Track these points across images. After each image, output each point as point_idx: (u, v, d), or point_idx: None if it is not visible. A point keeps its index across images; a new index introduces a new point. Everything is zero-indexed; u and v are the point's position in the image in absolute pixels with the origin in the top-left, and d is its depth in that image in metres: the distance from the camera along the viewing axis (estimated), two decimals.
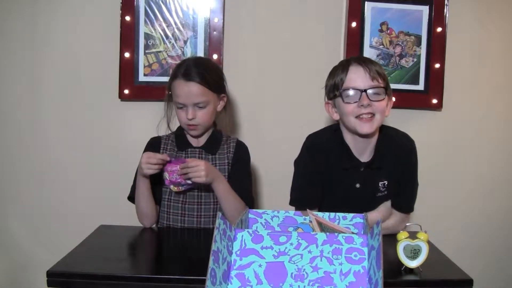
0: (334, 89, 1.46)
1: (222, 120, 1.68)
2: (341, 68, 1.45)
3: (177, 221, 1.57)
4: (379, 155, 1.49)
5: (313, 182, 1.51)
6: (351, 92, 1.41)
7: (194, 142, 1.62)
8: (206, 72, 1.54)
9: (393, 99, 1.51)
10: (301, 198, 1.51)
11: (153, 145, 1.62)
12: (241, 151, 1.63)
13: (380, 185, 1.51)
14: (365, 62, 1.42)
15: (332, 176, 1.50)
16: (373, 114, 1.41)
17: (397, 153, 1.50)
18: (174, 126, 1.68)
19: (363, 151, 1.50)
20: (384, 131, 1.52)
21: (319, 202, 1.51)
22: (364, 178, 1.50)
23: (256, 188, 2.00)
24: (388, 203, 1.53)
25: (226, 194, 1.51)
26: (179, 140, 1.62)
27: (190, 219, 1.57)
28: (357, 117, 1.42)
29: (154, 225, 1.59)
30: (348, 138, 1.51)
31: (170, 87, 1.57)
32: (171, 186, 1.52)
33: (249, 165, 1.65)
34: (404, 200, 1.52)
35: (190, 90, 1.51)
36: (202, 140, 1.62)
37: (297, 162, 1.56)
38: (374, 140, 1.49)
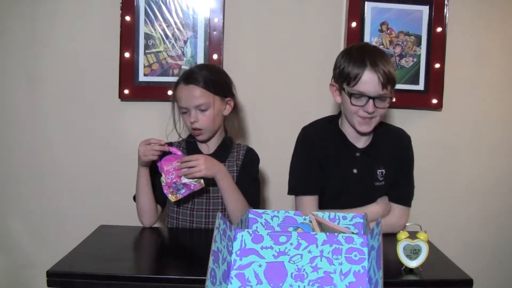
0: (344, 80, 1.46)
1: (231, 125, 1.68)
2: (357, 63, 1.43)
3: (185, 227, 1.57)
4: (376, 143, 1.54)
5: (310, 170, 1.53)
6: (359, 96, 1.44)
7: (204, 149, 1.61)
8: (208, 75, 1.54)
9: (393, 99, 1.51)
10: (299, 187, 1.54)
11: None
12: (249, 158, 1.62)
13: (378, 173, 1.53)
14: (380, 67, 1.41)
15: (329, 163, 1.53)
16: (372, 117, 1.46)
17: (394, 143, 1.55)
18: (183, 134, 1.68)
19: (360, 139, 1.54)
20: (382, 124, 1.57)
21: (317, 190, 1.53)
22: (360, 164, 1.53)
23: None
24: (386, 199, 1.54)
25: (229, 190, 1.50)
26: (190, 147, 1.62)
27: (199, 226, 1.57)
28: (359, 115, 1.46)
29: (156, 225, 1.59)
30: (346, 125, 1.55)
31: (175, 94, 1.58)
32: (169, 196, 1.49)
33: (256, 171, 1.63)
34: (402, 192, 1.54)
35: (190, 92, 1.52)
36: (213, 147, 1.61)
37: (293, 153, 1.59)
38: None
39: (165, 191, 1.50)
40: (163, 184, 1.49)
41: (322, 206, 1.54)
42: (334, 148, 1.54)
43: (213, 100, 1.54)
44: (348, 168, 1.53)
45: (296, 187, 1.55)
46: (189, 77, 1.53)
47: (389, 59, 1.47)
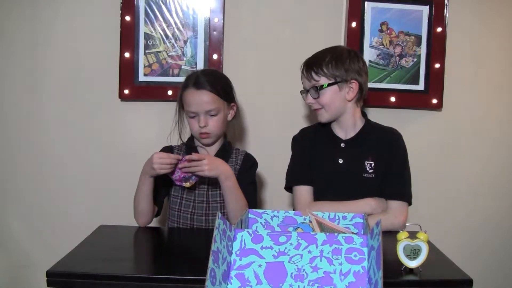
0: None
1: (231, 130, 1.70)
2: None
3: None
4: (361, 135, 1.60)
5: (301, 163, 1.62)
6: (303, 92, 1.64)
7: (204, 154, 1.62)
8: (215, 80, 1.57)
9: (354, 83, 1.56)
10: (292, 178, 1.62)
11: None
12: (247, 163, 1.63)
13: (366, 164, 1.55)
14: (307, 66, 1.60)
15: (317, 155, 1.61)
16: (320, 107, 1.58)
17: (382, 137, 1.59)
18: (185, 137, 1.69)
19: (344, 131, 1.60)
20: (372, 122, 1.64)
21: (310, 181, 1.59)
22: (346, 154, 1.58)
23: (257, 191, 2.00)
24: (383, 199, 1.54)
25: (233, 190, 1.50)
26: (190, 151, 1.62)
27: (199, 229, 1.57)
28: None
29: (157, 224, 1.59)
30: (334, 121, 1.64)
31: (181, 97, 1.59)
32: (183, 184, 1.51)
33: (253, 175, 1.64)
34: (395, 188, 1.53)
35: (201, 98, 1.53)
36: (213, 152, 1.62)
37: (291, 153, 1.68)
38: (348, 122, 1.59)
39: (177, 183, 1.52)
40: (173, 179, 1.52)
41: (313, 198, 1.58)
42: (321, 142, 1.63)
43: (223, 106, 1.57)
44: (334, 159, 1.59)
45: (289, 178, 1.63)
46: (198, 82, 1.54)
47: (328, 53, 1.58)
